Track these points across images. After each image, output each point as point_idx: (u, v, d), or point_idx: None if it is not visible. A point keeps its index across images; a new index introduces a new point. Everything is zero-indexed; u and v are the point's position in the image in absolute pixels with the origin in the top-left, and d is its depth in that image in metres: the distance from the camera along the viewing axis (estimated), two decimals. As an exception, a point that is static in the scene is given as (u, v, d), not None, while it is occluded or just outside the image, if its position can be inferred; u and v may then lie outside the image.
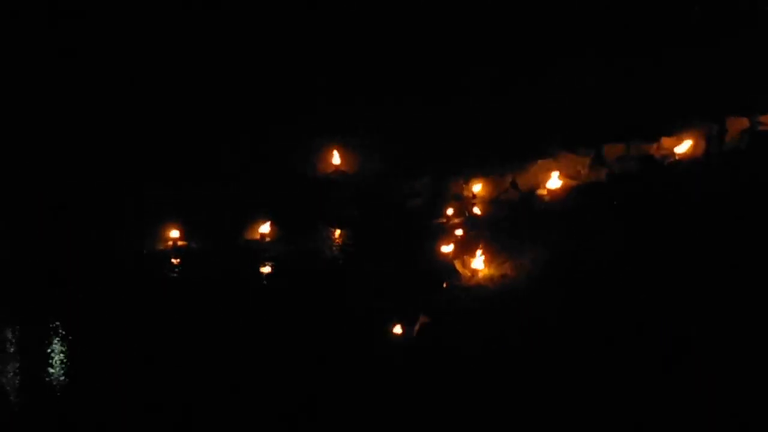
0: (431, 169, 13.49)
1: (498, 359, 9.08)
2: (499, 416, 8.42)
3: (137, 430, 8.96)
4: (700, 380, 8.23)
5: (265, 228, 12.57)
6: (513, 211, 12.50)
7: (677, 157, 12.67)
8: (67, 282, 11.58)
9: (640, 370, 8.47)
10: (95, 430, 9.02)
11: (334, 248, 12.49)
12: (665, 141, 12.90)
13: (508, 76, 14.53)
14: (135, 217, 12.89)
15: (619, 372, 8.50)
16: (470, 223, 12.35)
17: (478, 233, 11.81)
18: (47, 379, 9.64)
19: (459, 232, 12.04)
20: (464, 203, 13.01)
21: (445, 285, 10.77)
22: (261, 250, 12.35)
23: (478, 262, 10.87)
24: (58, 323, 10.62)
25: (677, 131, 12.85)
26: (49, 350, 10.12)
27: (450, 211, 12.73)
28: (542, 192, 12.75)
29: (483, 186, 13.15)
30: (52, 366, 9.85)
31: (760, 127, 12.42)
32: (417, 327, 9.93)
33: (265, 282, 11.80)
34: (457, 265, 11.02)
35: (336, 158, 13.92)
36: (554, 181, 12.76)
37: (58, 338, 10.34)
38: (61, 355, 10.06)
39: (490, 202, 13.00)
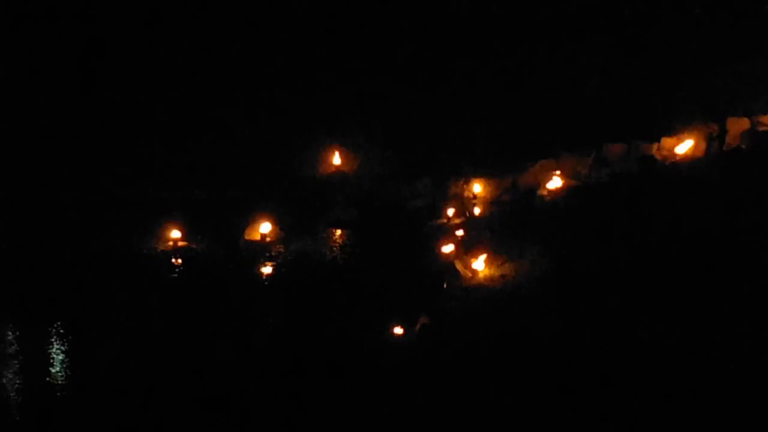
0: (432, 169, 13.50)
1: (498, 359, 9.08)
2: (499, 416, 8.42)
3: (137, 430, 8.96)
4: (700, 380, 8.23)
5: (265, 228, 12.58)
6: (513, 211, 12.49)
7: (678, 158, 12.65)
8: (67, 282, 11.59)
9: (640, 370, 8.47)
10: (95, 430, 9.01)
11: (335, 249, 12.49)
12: (666, 141, 12.89)
13: (508, 77, 14.54)
14: (136, 218, 12.91)
15: (619, 372, 8.50)
16: (471, 223, 12.36)
17: (479, 234, 11.81)
18: (48, 379, 9.64)
19: (459, 232, 12.04)
20: (465, 204, 13.01)
21: (445, 285, 10.77)
22: (261, 250, 12.35)
23: (479, 262, 10.87)
24: (58, 323, 10.63)
25: (678, 131, 12.84)
26: (49, 350, 10.13)
27: (451, 212, 12.74)
28: (543, 192, 12.75)
29: (483, 186, 13.15)
30: (52, 366, 9.85)
31: (761, 128, 12.40)
32: (417, 328, 9.93)
33: (265, 282, 11.80)
34: (458, 265, 11.01)
35: (336, 159, 13.94)
36: (555, 182, 12.75)
37: (58, 338, 10.34)
38: (62, 355, 10.07)
39: (490, 203, 13.00)
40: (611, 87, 13.92)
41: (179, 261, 12.22)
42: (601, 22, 14.96)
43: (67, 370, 9.80)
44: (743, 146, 12.28)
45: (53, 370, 9.78)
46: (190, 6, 15.28)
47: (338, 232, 12.87)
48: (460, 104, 14.29)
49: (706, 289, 9.37)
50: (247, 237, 12.56)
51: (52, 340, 10.30)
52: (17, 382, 9.65)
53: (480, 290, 10.51)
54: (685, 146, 12.70)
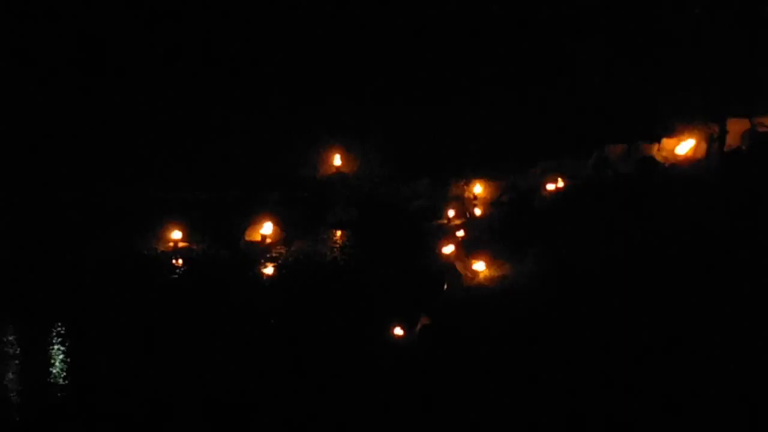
0: (432, 170, 13.52)
1: (498, 360, 9.08)
2: (499, 417, 8.42)
3: (137, 431, 8.96)
4: (700, 380, 8.22)
5: (266, 229, 12.58)
6: (514, 212, 12.50)
7: (678, 158, 12.66)
8: (67, 282, 11.60)
9: (640, 370, 8.46)
10: (95, 430, 9.02)
11: (335, 250, 12.50)
12: (666, 142, 12.90)
13: (508, 79, 14.55)
14: (137, 218, 12.92)
15: (619, 372, 8.49)
16: (471, 224, 12.36)
17: (479, 235, 11.81)
18: (48, 379, 9.64)
19: (460, 233, 12.04)
20: (465, 204, 13.03)
21: (445, 286, 10.76)
22: (262, 251, 12.36)
23: (479, 263, 10.87)
24: (58, 324, 10.64)
25: (678, 132, 12.84)
26: (49, 351, 10.13)
27: (451, 213, 12.74)
28: (543, 193, 12.75)
29: (484, 187, 13.17)
30: (52, 366, 9.85)
31: (761, 128, 12.40)
32: (418, 328, 9.93)
33: (266, 283, 11.81)
34: (458, 266, 11.01)
35: (337, 160, 13.95)
36: (555, 183, 12.75)
37: (58, 339, 10.35)
38: (62, 355, 10.07)
39: (491, 204, 13.02)
40: (612, 88, 13.93)
41: (180, 262, 12.23)
42: (601, 24, 14.98)
43: (68, 371, 9.80)
44: (743, 147, 12.28)
45: (53, 371, 9.78)
46: (193, 7, 15.30)
47: (339, 232, 12.89)
48: (460, 105, 14.30)
49: (706, 290, 9.36)
50: (247, 238, 12.57)
51: (53, 340, 10.31)
52: (17, 382, 9.65)
53: (480, 291, 10.50)
54: (685, 147, 12.70)
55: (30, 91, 14.62)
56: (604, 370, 8.58)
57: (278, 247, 12.45)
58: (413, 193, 13.43)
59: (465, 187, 13.24)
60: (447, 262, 11.30)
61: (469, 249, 11.33)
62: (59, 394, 9.42)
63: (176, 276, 11.96)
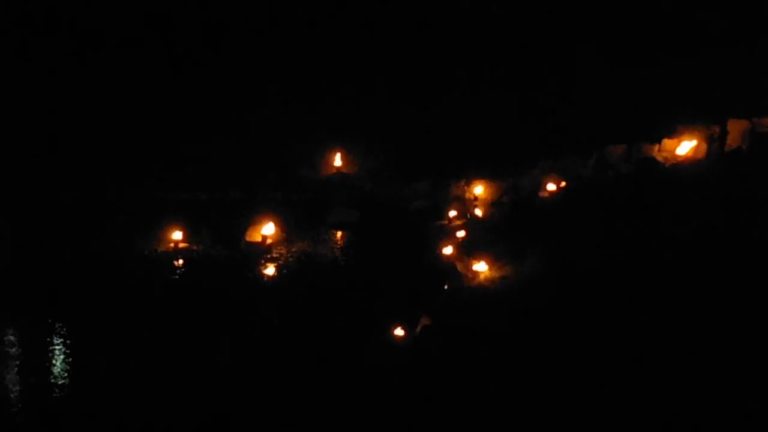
0: (433, 171, 13.52)
1: (499, 360, 9.08)
2: (500, 417, 8.42)
3: (138, 430, 8.96)
4: (700, 380, 8.23)
5: (266, 230, 12.58)
6: (514, 213, 12.50)
7: (679, 159, 12.66)
8: (68, 282, 11.60)
9: (640, 370, 8.46)
10: (96, 431, 9.02)
11: (336, 250, 12.50)
12: (667, 143, 12.90)
13: (509, 79, 14.56)
14: (137, 219, 12.93)
15: (619, 372, 8.49)
16: (472, 225, 12.36)
17: (480, 235, 11.81)
18: (48, 380, 9.64)
19: (461, 234, 12.04)
20: (466, 205, 13.03)
21: (446, 287, 10.77)
22: (262, 251, 12.36)
23: (480, 263, 10.86)
24: (58, 324, 10.64)
25: (679, 133, 12.84)
26: (50, 351, 10.13)
27: (452, 213, 12.75)
28: (543, 194, 12.75)
29: (485, 188, 13.17)
30: (53, 366, 9.85)
31: (761, 129, 12.40)
32: (418, 329, 9.93)
33: (266, 284, 11.81)
34: (459, 266, 11.01)
35: (338, 161, 13.96)
36: (555, 183, 12.76)
37: (59, 339, 10.35)
38: (62, 355, 10.07)
39: (491, 204, 13.01)
40: (612, 88, 13.93)
41: (180, 262, 12.23)
42: (602, 24, 14.98)
43: (68, 371, 9.80)
44: (744, 147, 12.28)
45: (53, 371, 9.78)
46: (194, 7, 15.31)
47: (339, 233, 12.89)
48: (461, 106, 14.31)
49: (707, 289, 9.37)
50: (248, 238, 12.56)
51: (53, 340, 10.31)
52: (17, 382, 9.65)
53: (481, 291, 10.50)
54: (686, 147, 12.70)
55: (30, 91, 14.63)
56: (604, 371, 8.58)
57: (279, 248, 12.44)
58: (414, 193, 13.43)
59: (465, 187, 13.23)
60: (447, 263, 11.31)
61: (469, 250, 11.33)
62: (59, 394, 9.42)
63: (177, 276, 11.96)
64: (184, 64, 14.95)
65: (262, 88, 14.85)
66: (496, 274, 10.73)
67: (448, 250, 11.52)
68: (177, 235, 12.55)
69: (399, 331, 9.91)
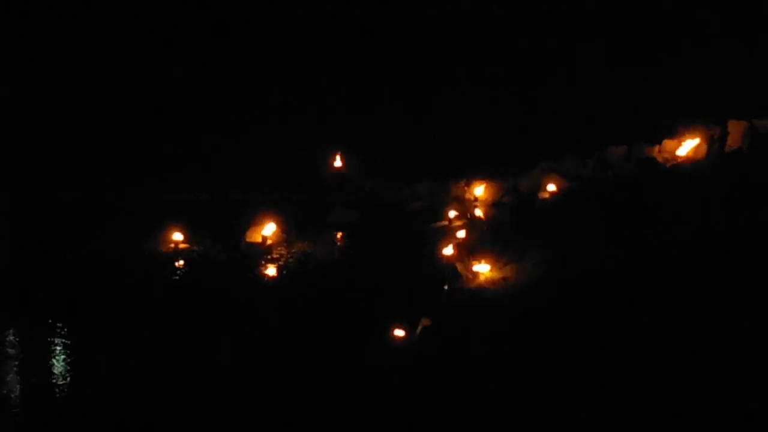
0: (433, 171, 13.51)
1: (499, 361, 9.08)
2: (500, 418, 8.42)
3: (138, 431, 8.97)
4: (700, 381, 8.23)
5: (266, 231, 12.58)
6: (515, 213, 12.49)
7: (679, 160, 12.65)
8: (68, 283, 11.60)
9: (641, 372, 8.47)
10: (96, 431, 9.02)
11: (336, 251, 12.50)
12: (667, 143, 12.89)
13: (509, 79, 14.55)
14: (137, 219, 12.93)
15: (620, 374, 8.50)
16: (472, 225, 12.35)
17: (480, 236, 11.80)
18: (49, 381, 9.63)
19: (461, 234, 12.03)
20: (466, 206, 13.02)
21: (446, 288, 10.76)
22: (263, 252, 12.36)
23: (480, 264, 10.86)
24: (59, 324, 10.63)
25: (679, 134, 12.84)
26: (50, 351, 10.13)
27: (452, 214, 12.74)
28: (544, 194, 12.75)
29: (485, 189, 13.16)
30: (54, 368, 9.85)
31: (762, 130, 12.39)
32: (419, 330, 9.93)
33: (266, 285, 11.80)
34: (459, 267, 11.01)
35: (338, 161, 13.95)
36: (556, 184, 12.75)
37: (59, 339, 10.34)
38: (63, 356, 10.07)
39: (492, 205, 13.01)
40: (612, 89, 13.92)
41: (181, 263, 12.23)
42: (602, 24, 14.98)
43: (68, 372, 9.80)
44: (744, 148, 12.27)
45: (53, 371, 9.78)
46: (194, 7, 15.31)
47: (339, 233, 12.89)
48: (461, 106, 14.30)
49: (707, 290, 9.37)
50: (248, 239, 12.56)
51: (53, 341, 10.31)
52: (17, 382, 9.65)
53: (481, 292, 10.50)
54: (686, 148, 12.70)
55: (30, 90, 14.62)
56: (605, 372, 8.58)
57: (279, 248, 12.44)
58: (414, 194, 13.43)
59: (466, 188, 13.23)
60: (448, 264, 11.30)
61: (469, 250, 11.32)
62: (59, 395, 9.42)
63: (177, 277, 11.96)
64: (185, 63, 14.94)
65: (262, 88, 14.84)
66: (496, 274, 10.73)
67: (448, 251, 11.52)
68: (177, 235, 12.55)
69: (399, 332, 9.91)
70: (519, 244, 11.17)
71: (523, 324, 9.60)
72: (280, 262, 12.12)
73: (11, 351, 10.21)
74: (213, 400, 9.18)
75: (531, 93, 14.36)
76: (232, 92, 14.70)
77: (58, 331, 10.52)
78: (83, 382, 9.64)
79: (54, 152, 14.01)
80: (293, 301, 11.09)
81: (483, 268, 10.80)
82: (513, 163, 13.29)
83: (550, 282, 10.26)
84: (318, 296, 11.13)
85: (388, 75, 14.81)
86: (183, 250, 12.49)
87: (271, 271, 11.98)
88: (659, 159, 12.80)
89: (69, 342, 10.32)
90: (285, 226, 12.71)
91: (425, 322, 9.95)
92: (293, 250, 12.38)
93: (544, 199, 12.65)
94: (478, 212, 12.79)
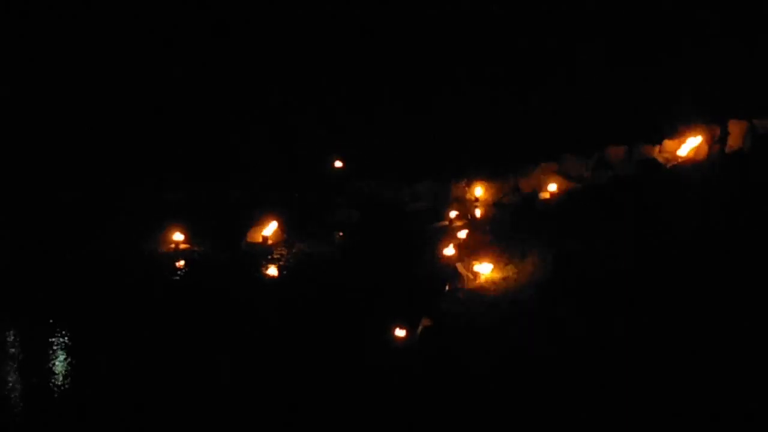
0: (433, 172, 13.52)
1: (500, 362, 9.08)
2: (501, 419, 8.42)
3: (138, 431, 8.97)
4: (700, 381, 8.23)
5: (267, 231, 12.59)
6: (515, 214, 12.50)
7: (679, 160, 12.66)
8: (68, 283, 11.60)
9: (642, 372, 8.47)
10: (96, 431, 9.03)
11: (337, 251, 12.50)
12: (667, 144, 12.90)
13: (509, 80, 14.56)
14: (138, 220, 12.93)
15: (621, 374, 8.50)
16: (472, 226, 12.35)
17: (481, 236, 11.80)
18: (49, 381, 9.64)
19: (462, 234, 12.04)
20: (466, 206, 13.03)
21: (447, 288, 10.76)
22: (263, 252, 12.37)
23: (481, 265, 10.86)
24: (59, 325, 10.63)
25: (679, 134, 12.84)
26: (50, 352, 10.13)
27: (452, 214, 12.75)
28: (544, 195, 12.75)
29: (485, 189, 13.17)
30: (54, 368, 9.85)
31: (762, 130, 12.39)
32: (419, 330, 9.93)
33: (267, 284, 11.81)
34: (460, 267, 11.01)
35: (338, 162, 13.96)
36: (556, 184, 12.76)
37: (59, 340, 10.34)
38: (63, 356, 10.07)
39: (492, 205, 13.01)
40: (612, 89, 13.93)
41: (181, 263, 12.23)
42: (602, 24, 14.99)
43: (68, 372, 9.80)
44: (745, 148, 12.28)
45: (54, 371, 9.78)
46: (194, 6, 15.32)
47: (340, 234, 12.89)
48: (462, 107, 14.31)
49: (708, 291, 9.37)
50: (249, 239, 12.57)
51: (53, 341, 10.31)
52: (17, 382, 9.65)
53: (482, 293, 10.50)
54: (686, 148, 12.70)
55: (31, 90, 14.63)
56: (606, 372, 8.58)
57: (280, 249, 12.45)
58: (414, 194, 13.44)
59: (466, 188, 13.24)
60: (448, 264, 11.30)
61: (470, 251, 11.32)
62: (59, 395, 9.42)
63: (178, 278, 11.96)
64: (186, 63, 14.94)
65: (263, 88, 14.85)
66: (497, 275, 10.72)
67: (448, 251, 11.52)
68: (178, 236, 12.55)
69: (400, 332, 9.91)
70: (519, 244, 11.17)
71: (524, 324, 9.60)
72: (281, 262, 12.13)
73: (11, 351, 10.21)
74: (213, 400, 9.17)
75: (531, 93, 14.37)
76: (232, 92, 14.71)
77: (58, 331, 10.52)
78: (83, 382, 9.64)
79: (54, 152, 14.00)
80: (294, 301, 11.09)
81: (484, 269, 10.79)
82: (513, 163, 13.30)
83: (551, 282, 10.25)
84: (318, 296, 11.14)
85: (388, 75, 14.82)
86: (183, 250, 12.49)
87: (271, 271, 11.98)
88: (659, 159, 12.79)
89: (69, 342, 10.32)
90: (285, 226, 12.72)
91: (426, 322, 9.95)
92: (294, 250, 12.38)
93: (545, 200, 12.66)
94: (479, 212, 12.79)
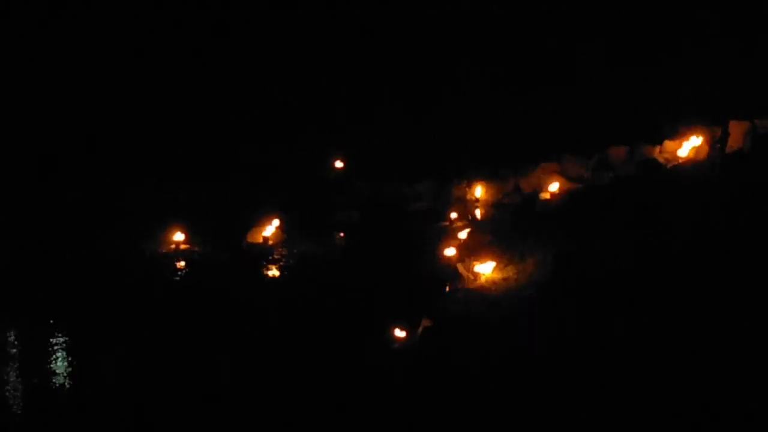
0: (434, 172, 13.52)
1: (500, 362, 9.08)
2: (501, 420, 8.41)
3: (138, 431, 8.97)
4: (701, 382, 8.23)
5: (268, 231, 12.59)
6: (516, 214, 12.49)
7: (680, 161, 12.65)
8: (69, 283, 11.60)
9: (642, 372, 8.46)
10: (96, 431, 9.02)
11: (337, 251, 12.50)
12: (668, 144, 12.90)
13: (510, 80, 14.55)
14: (139, 220, 12.93)
15: (622, 374, 8.50)
16: (473, 226, 12.35)
17: (481, 237, 11.80)
18: (49, 381, 9.64)
19: (462, 235, 12.03)
20: (467, 207, 13.03)
21: (447, 288, 10.76)
22: (264, 253, 12.37)
23: (481, 265, 10.85)
24: (59, 325, 10.63)
25: (680, 134, 12.84)
26: (50, 352, 10.12)
27: (453, 215, 12.75)
28: (545, 195, 12.75)
29: (486, 189, 13.17)
30: (54, 368, 9.85)
31: (763, 130, 12.39)
32: (419, 330, 9.92)
33: (267, 285, 11.81)
34: (460, 268, 11.00)
35: (339, 162, 13.96)
36: (556, 185, 12.75)
37: (59, 340, 10.34)
38: (64, 356, 10.07)
39: (493, 206, 13.01)
40: (613, 90, 13.93)
41: (182, 263, 12.23)
42: (602, 25, 14.99)
43: (68, 372, 9.80)
44: (745, 149, 12.27)
45: (54, 371, 9.78)
46: (195, 7, 15.32)
47: (340, 234, 12.89)
48: (462, 107, 14.31)
49: (707, 290, 9.36)
50: (249, 239, 12.57)
51: (53, 340, 10.31)
52: (17, 382, 9.65)
53: (482, 293, 10.49)
54: (687, 149, 12.70)
55: (31, 90, 14.63)
56: (606, 373, 8.57)
57: (280, 249, 12.44)
58: (415, 194, 13.44)
59: (467, 189, 13.23)
60: (449, 264, 11.29)
61: (471, 251, 11.32)
62: (59, 395, 9.42)
63: (178, 278, 11.96)
64: (187, 63, 14.94)
65: (264, 89, 14.85)
66: (497, 275, 10.71)
67: (449, 252, 11.51)
68: (178, 236, 12.55)
69: (400, 332, 9.91)
70: (520, 244, 11.16)
71: (524, 324, 9.59)
72: (281, 263, 12.12)
73: (11, 351, 10.20)
74: (213, 400, 9.17)
75: (532, 94, 14.37)
76: (233, 93, 14.71)
77: (58, 331, 10.51)
78: (83, 382, 9.64)
79: (54, 152, 14.00)
80: (294, 301, 11.09)
81: (484, 269, 10.78)
82: (514, 163, 13.30)
83: (551, 282, 10.25)
84: (319, 296, 11.13)
85: (389, 75, 14.81)
86: (184, 250, 12.49)
87: (272, 271, 11.98)
88: (660, 160, 12.79)
89: (69, 342, 10.32)
90: (286, 227, 12.72)
91: (426, 322, 9.94)
92: (294, 251, 12.38)
93: (545, 200, 12.65)
94: (479, 213, 12.79)
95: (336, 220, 13.09)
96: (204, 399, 9.20)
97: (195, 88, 14.73)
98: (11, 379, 9.68)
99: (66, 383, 9.61)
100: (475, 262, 10.94)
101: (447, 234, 12.20)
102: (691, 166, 12.46)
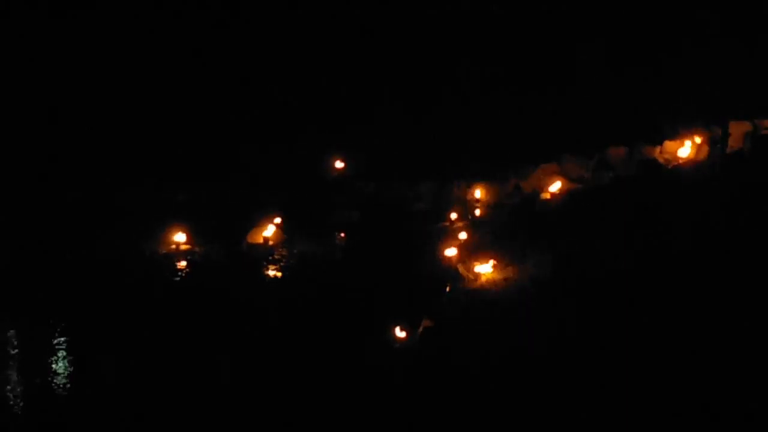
0: (434, 172, 13.51)
1: (501, 363, 9.08)
2: (501, 420, 8.41)
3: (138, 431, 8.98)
4: (701, 382, 8.23)
5: (268, 231, 12.59)
6: (516, 214, 12.49)
7: (680, 161, 12.66)
8: (69, 284, 11.59)
9: (643, 372, 8.46)
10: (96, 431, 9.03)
11: (337, 252, 12.49)
12: (668, 145, 12.90)
13: (510, 80, 14.55)
14: (139, 220, 12.92)
15: (622, 374, 8.50)
16: (473, 226, 12.35)
17: (482, 237, 11.80)
18: (49, 381, 9.64)
19: (462, 235, 12.04)
20: (467, 207, 13.02)
21: (448, 289, 10.76)
22: (264, 253, 12.36)
23: (482, 265, 10.86)
24: (60, 326, 10.63)
25: (680, 135, 12.84)
26: (50, 353, 10.12)
27: (453, 215, 12.74)
28: (545, 195, 12.75)
29: (486, 190, 13.16)
30: (54, 369, 9.85)
31: (763, 131, 12.41)
32: (420, 331, 9.92)
33: (268, 285, 11.80)
34: (461, 268, 11.00)
35: (339, 162, 13.95)
36: (557, 185, 12.76)
37: (59, 341, 10.34)
38: (63, 358, 10.06)
39: (493, 206, 13.01)
40: (613, 90, 13.93)
41: (182, 264, 12.23)
42: (602, 25, 14.98)
43: (68, 372, 9.80)
44: (745, 149, 12.29)
45: (54, 372, 9.78)
46: (195, 7, 15.32)
47: (341, 234, 12.88)
48: (462, 107, 14.30)
49: (708, 292, 9.37)
50: (250, 240, 12.57)
51: (54, 342, 10.30)
52: (17, 382, 9.65)
53: (482, 293, 10.49)
54: (687, 149, 12.70)
55: (31, 90, 14.62)
56: (607, 373, 8.58)
57: (281, 249, 12.44)
58: (415, 195, 13.43)
59: (467, 189, 13.23)
60: (449, 265, 11.30)
61: (471, 251, 11.32)
62: (59, 395, 9.42)
63: (178, 278, 11.96)
64: (187, 63, 14.94)
65: (263, 88, 14.84)
66: (498, 275, 10.72)
67: (449, 252, 11.51)
68: (179, 236, 12.55)
69: (400, 333, 9.91)
70: (520, 245, 11.16)
71: (524, 324, 9.60)
72: (282, 263, 12.12)
73: (11, 351, 10.20)
74: (213, 400, 9.17)
75: (531, 93, 14.36)
76: (233, 93, 14.70)
77: (58, 331, 10.50)
78: (83, 382, 9.63)
79: (54, 152, 13.99)
80: (294, 302, 11.09)
81: (484, 269, 10.79)
82: (514, 164, 13.29)
83: (552, 282, 10.25)
84: (319, 296, 11.13)
85: (389, 75, 14.81)
86: (185, 251, 12.49)
87: (272, 271, 11.98)
88: (660, 160, 12.80)
89: (69, 342, 10.31)
90: (287, 227, 12.72)
91: (426, 323, 9.94)
92: (295, 251, 12.38)
93: (546, 201, 12.65)
94: (479, 213, 12.79)
95: (336, 220, 13.08)
96: (204, 399, 9.20)
97: (195, 88, 14.71)
98: (11, 379, 9.67)
99: (66, 383, 9.60)
100: (475, 263, 10.94)
101: (447, 234, 12.19)
102: (691, 166, 12.47)
